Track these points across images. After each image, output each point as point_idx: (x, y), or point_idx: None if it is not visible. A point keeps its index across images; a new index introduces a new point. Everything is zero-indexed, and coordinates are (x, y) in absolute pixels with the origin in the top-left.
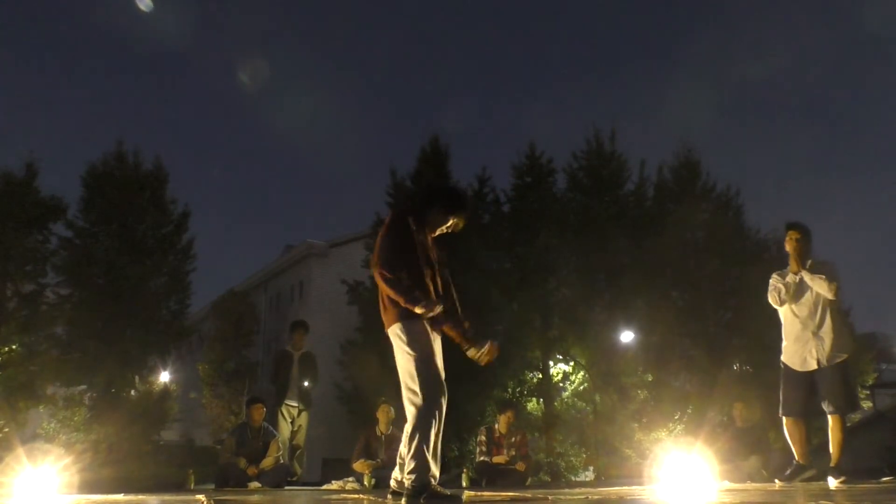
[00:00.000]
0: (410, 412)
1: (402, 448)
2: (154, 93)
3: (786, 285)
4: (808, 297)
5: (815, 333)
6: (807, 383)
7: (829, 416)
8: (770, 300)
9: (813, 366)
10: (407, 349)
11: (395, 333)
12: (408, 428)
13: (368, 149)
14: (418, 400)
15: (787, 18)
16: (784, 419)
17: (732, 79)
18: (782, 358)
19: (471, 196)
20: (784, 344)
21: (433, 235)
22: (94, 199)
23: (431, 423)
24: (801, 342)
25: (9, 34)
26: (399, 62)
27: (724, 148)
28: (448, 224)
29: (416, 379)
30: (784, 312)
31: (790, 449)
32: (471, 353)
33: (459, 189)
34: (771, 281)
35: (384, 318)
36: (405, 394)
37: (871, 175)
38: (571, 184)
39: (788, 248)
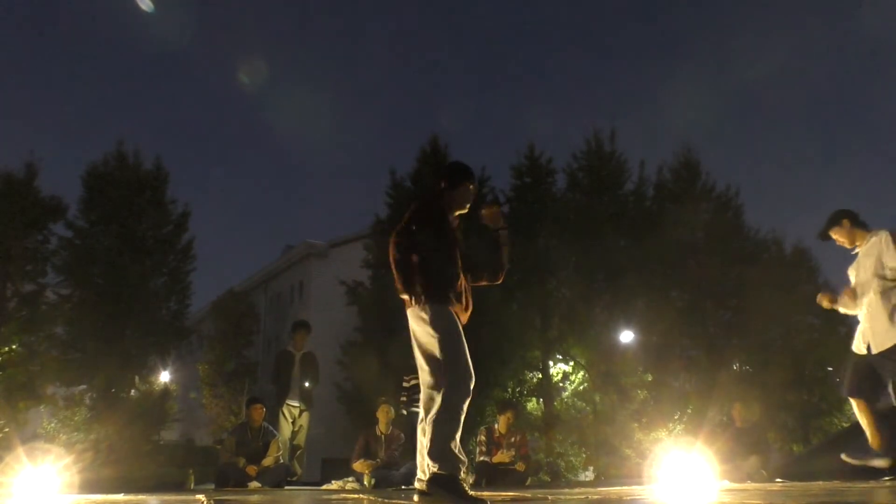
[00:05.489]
0: (433, 398)
1: (421, 438)
2: (154, 93)
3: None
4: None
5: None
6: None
7: None
8: None
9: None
10: (431, 330)
11: (415, 315)
12: (430, 415)
13: (368, 149)
14: (444, 384)
15: (787, 19)
16: None
17: (732, 79)
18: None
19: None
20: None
21: (460, 213)
22: (95, 199)
23: (460, 409)
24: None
25: (8, 34)
26: (399, 62)
27: (724, 148)
28: (471, 194)
29: (445, 361)
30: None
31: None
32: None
33: (457, 161)
34: None
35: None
36: (426, 378)
37: (871, 175)
38: (571, 184)
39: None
